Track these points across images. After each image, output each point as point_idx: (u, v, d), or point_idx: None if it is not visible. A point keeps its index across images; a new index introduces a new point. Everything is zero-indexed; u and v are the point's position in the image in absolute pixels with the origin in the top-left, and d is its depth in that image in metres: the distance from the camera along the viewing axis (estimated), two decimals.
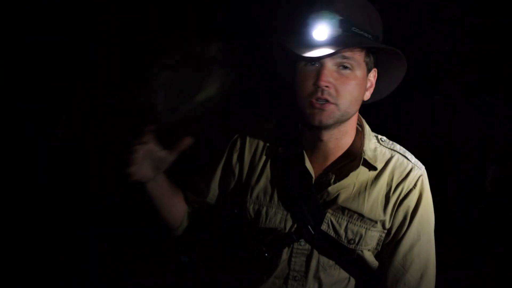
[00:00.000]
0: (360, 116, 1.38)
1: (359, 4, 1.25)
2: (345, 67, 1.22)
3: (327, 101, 1.20)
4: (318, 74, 1.19)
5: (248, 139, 1.42)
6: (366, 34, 1.22)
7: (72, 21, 2.09)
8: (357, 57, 1.23)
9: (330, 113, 1.21)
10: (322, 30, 1.17)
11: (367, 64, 1.27)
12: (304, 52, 1.17)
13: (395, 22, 1.99)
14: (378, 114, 2.11)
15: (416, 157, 1.37)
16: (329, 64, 1.20)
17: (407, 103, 2.01)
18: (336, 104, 1.21)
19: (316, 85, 1.20)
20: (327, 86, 1.19)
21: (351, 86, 1.22)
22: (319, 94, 1.20)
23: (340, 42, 1.17)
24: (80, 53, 2.12)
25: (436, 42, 1.89)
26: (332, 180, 1.30)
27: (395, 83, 1.38)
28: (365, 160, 1.29)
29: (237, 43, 2.17)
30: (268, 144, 1.39)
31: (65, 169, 2.20)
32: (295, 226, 1.32)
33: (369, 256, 1.31)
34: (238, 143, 1.43)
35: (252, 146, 1.41)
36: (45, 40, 2.07)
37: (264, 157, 1.39)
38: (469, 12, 1.79)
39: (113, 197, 2.26)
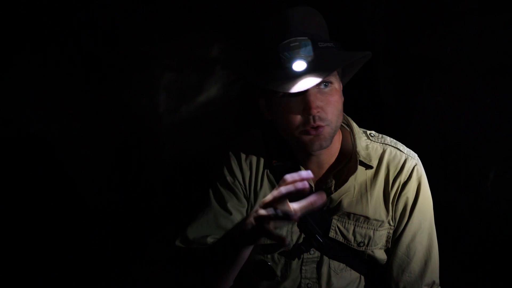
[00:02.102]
0: (345, 114, 1.35)
1: (310, 16, 1.21)
2: (326, 84, 1.19)
3: (322, 126, 1.18)
4: (306, 103, 1.15)
5: (241, 155, 1.36)
6: (329, 44, 1.19)
7: (76, 23, 2.09)
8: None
9: (326, 135, 1.20)
10: (301, 62, 1.12)
11: (338, 73, 1.25)
12: (288, 88, 1.12)
13: (397, 24, 2.01)
14: (379, 116, 2.12)
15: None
16: (312, 89, 1.15)
17: (408, 105, 2.02)
18: (328, 125, 1.19)
19: (307, 114, 1.16)
20: (318, 112, 1.16)
21: (336, 101, 1.20)
22: (311, 122, 1.17)
23: (322, 67, 1.14)
24: (82, 54, 2.13)
25: (438, 44, 1.89)
26: (333, 187, 1.29)
27: (351, 75, 1.35)
28: (360, 161, 1.28)
29: (239, 44, 2.17)
30: (261, 158, 1.35)
31: (67, 169, 2.21)
32: (303, 236, 1.31)
33: (380, 254, 1.32)
34: (233, 161, 1.36)
35: (247, 162, 1.35)
36: (48, 41, 2.08)
37: (260, 172, 1.35)
38: (470, 14, 1.80)
39: (115, 197, 2.26)
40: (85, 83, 2.15)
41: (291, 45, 1.13)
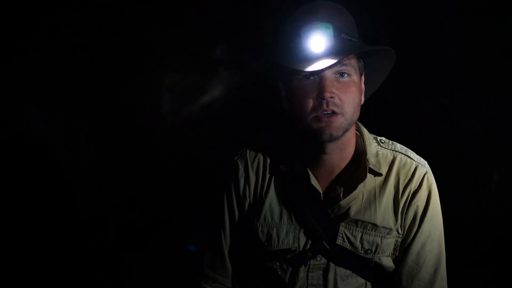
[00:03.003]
0: (357, 121, 1.32)
1: (338, 11, 1.23)
2: (343, 75, 1.19)
3: (333, 112, 1.17)
4: (321, 87, 1.16)
5: (249, 161, 1.35)
6: (353, 39, 1.21)
7: (77, 23, 2.09)
8: (353, 63, 1.20)
9: (338, 124, 1.18)
10: (319, 42, 1.16)
11: (359, 69, 1.23)
12: (305, 67, 1.14)
13: (401, 25, 2.01)
14: (383, 117, 2.12)
15: None
16: (329, 74, 1.17)
17: (412, 106, 2.02)
18: (342, 114, 1.18)
19: (321, 98, 1.16)
20: (331, 97, 1.16)
21: (353, 92, 1.19)
22: (324, 106, 1.16)
23: (339, 51, 1.15)
24: (87, 55, 2.12)
25: (442, 46, 1.89)
26: (342, 194, 1.27)
27: (377, 84, 1.36)
28: (370, 168, 1.26)
29: (242, 45, 2.17)
30: (268, 163, 1.34)
31: (68, 170, 2.21)
32: (310, 243, 1.29)
33: (387, 261, 1.29)
34: (240, 168, 1.35)
35: (253, 168, 1.34)
36: (49, 42, 2.08)
37: (267, 177, 1.33)
38: (474, 16, 1.79)
39: (115, 197, 2.26)
40: (87, 84, 2.15)
41: (313, 26, 1.16)
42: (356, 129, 1.33)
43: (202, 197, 1.81)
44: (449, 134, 1.91)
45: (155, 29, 2.16)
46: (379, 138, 1.34)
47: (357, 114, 1.23)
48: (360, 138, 1.32)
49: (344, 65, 1.18)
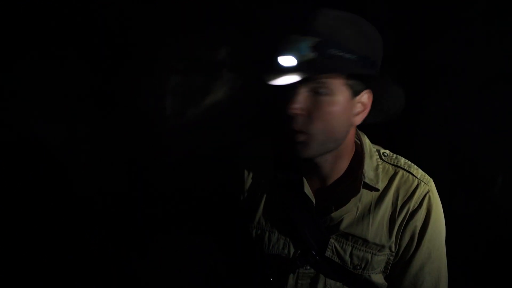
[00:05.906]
0: (359, 130, 1.29)
1: (345, 22, 1.11)
2: (322, 93, 1.10)
3: (301, 131, 1.10)
4: (290, 99, 1.09)
5: (246, 163, 1.34)
6: (347, 55, 1.09)
7: (84, 26, 2.08)
8: (336, 81, 1.10)
9: (306, 145, 1.12)
10: (289, 56, 1.08)
11: (351, 87, 1.12)
12: (272, 79, 1.08)
13: (405, 28, 2.01)
14: (386, 120, 2.12)
15: (424, 164, 1.33)
16: (303, 90, 1.09)
17: (415, 109, 2.02)
18: (310, 134, 1.11)
19: (288, 111, 1.09)
20: (298, 114, 1.09)
21: (329, 112, 1.10)
22: (293, 124, 1.10)
23: (310, 68, 1.06)
24: (91, 57, 2.12)
25: (445, 49, 1.89)
26: (334, 206, 1.23)
27: (399, 102, 1.24)
28: (365, 183, 1.22)
29: (246, 47, 2.16)
30: (266, 167, 1.32)
31: (69, 170, 2.21)
32: (299, 252, 1.27)
33: (378, 279, 1.26)
34: (237, 169, 1.35)
35: (250, 171, 1.33)
36: (52, 43, 2.08)
37: (263, 181, 1.32)
38: (478, 18, 1.80)
39: (116, 198, 2.26)
40: (90, 86, 2.14)
41: (290, 39, 1.09)
42: (357, 139, 1.29)
43: (202, 198, 1.81)
44: (452, 137, 1.92)
45: (159, 31, 2.15)
46: (382, 151, 1.30)
47: (338, 135, 1.16)
48: (359, 148, 1.27)
49: (321, 83, 1.09)
